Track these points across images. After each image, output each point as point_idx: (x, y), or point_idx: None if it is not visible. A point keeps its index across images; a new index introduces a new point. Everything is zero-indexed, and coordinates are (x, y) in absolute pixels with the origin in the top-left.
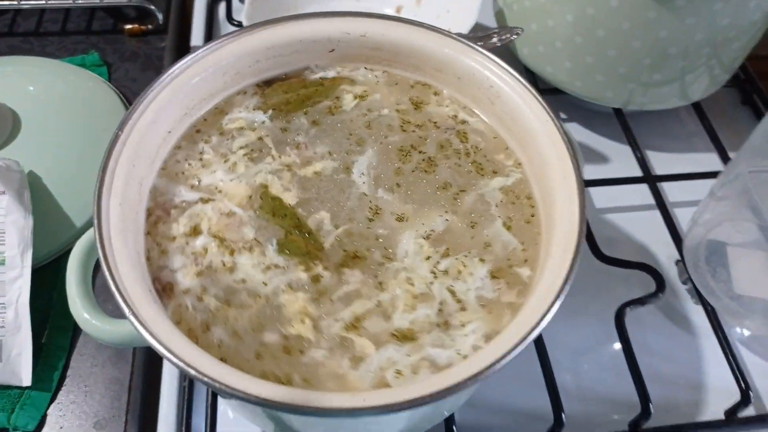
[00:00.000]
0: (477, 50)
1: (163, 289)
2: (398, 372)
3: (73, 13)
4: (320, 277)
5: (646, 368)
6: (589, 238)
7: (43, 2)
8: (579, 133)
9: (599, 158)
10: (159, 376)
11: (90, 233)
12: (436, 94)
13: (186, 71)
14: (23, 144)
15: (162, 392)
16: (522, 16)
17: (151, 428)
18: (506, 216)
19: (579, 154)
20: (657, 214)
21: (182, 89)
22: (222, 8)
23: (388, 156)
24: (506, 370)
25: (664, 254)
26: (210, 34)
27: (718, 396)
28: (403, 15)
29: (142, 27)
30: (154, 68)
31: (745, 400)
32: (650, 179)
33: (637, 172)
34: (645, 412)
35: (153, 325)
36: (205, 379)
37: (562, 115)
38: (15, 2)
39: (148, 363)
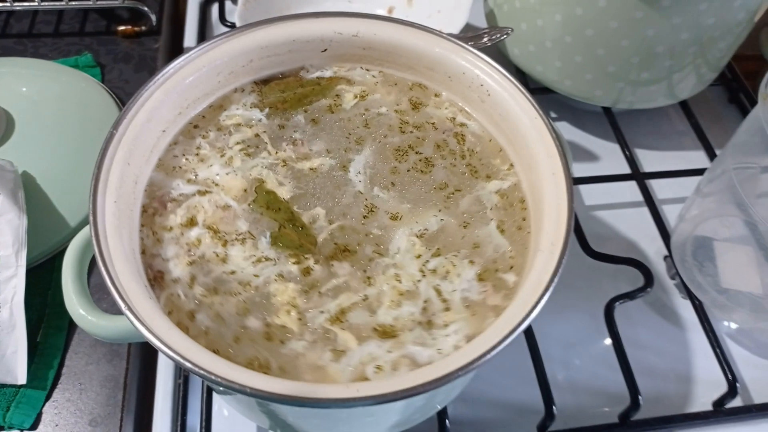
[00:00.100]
0: (467, 49)
1: (155, 277)
2: (378, 367)
3: (66, 14)
4: (311, 270)
5: (635, 361)
6: (578, 234)
7: (36, 4)
8: (569, 132)
9: (589, 156)
10: (154, 374)
11: (85, 231)
12: (436, 95)
13: (180, 71)
14: (17, 145)
15: (157, 389)
16: (512, 16)
17: (146, 425)
18: (499, 219)
19: (567, 150)
20: (645, 211)
21: (176, 89)
22: (215, 9)
23: (386, 155)
24: (498, 365)
25: (653, 250)
26: (203, 35)
27: (706, 388)
28: (394, 15)
29: (135, 28)
30: (148, 69)
31: (732, 391)
32: (639, 176)
33: (626, 170)
34: (634, 404)
35: (149, 320)
36: (200, 371)
37: (553, 115)
38: (8, 4)
39: (143, 360)
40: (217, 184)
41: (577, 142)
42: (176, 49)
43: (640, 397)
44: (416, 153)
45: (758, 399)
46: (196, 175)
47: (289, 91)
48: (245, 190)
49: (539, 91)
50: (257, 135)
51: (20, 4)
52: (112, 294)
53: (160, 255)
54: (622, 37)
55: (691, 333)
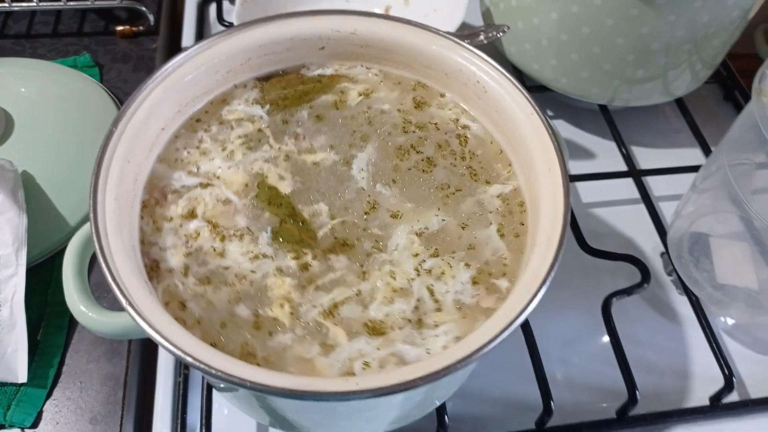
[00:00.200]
0: (464, 47)
1: (151, 267)
2: (366, 364)
3: (64, 15)
4: (309, 266)
5: (632, 357)
6: (575, 231)
7: (34, 4)
8: (565, 130)
9: (586, 154)
10: (154, 372)
11: (86, 228)
12: (441, 96)
13: (178, 69)
14: (16, 144)
15: (157, 387)
16: (508, 14)
17: (146, 423)
18: (500, 223)
19: (563, 145)
20: (642, 208)
21: (175, 87)
22: (212, 9)
23: (389, 153)
24: (496, 362)
25: (649, 246)
26: (201, 35)
27: (703, 383)
28: (392, 14)
29: (134, 28)
30: (146, 69)
31: (728, 386)
32: (635, 174)
33: (623, 167)
34: (632, 400)
35: (150, 316)
36: (201, 365)
37: (549, 113)
38: (6, 4)
39: (143, 359)
40: (218, 178)
41: (573, 140)
42: (174, 49)
43: (637, 393)
44: (418, 152)
45: (754, 394)
46: (197, 168)
47: (290, 89)
48: (246, 185)
49: (536, 90)
50: (260, 129)
51: (18, 4)
52: (113, 290)
53: (157, 244)
54: (618, 34)
55: (687, 329)
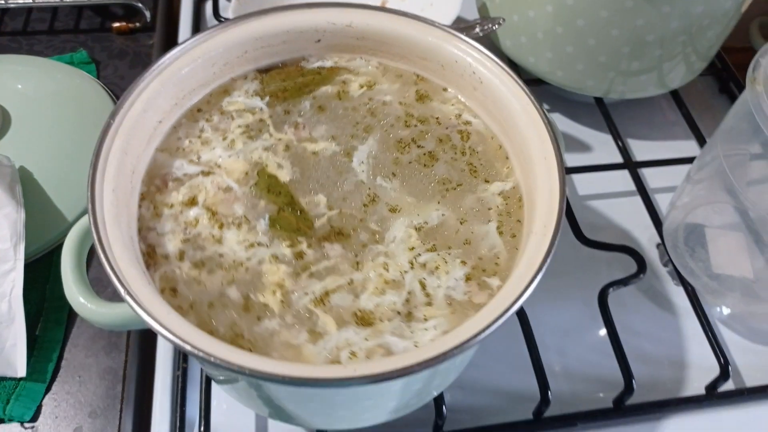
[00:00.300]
0: (459, 38)
1: (147, 253)
2: (353, 353)
3: (60, 11)
4: (304, 254)
5: (629, 347)
6: (572, 223)
7: (31, 1)
8: (562, 123)
9: (582, 147)
10: (153, 366)
11: (84, 221)
12: (444, 90)
13: (175, 62)
14: (13, 140)
15: (156, 381)
16: (504, 7)
17: (145, 417)
18: (499, 221)
19: (559, 134)
20: (638, 200)
21: (172, 79)
22: (209, 6)
23: (389, 146)
24: (494, 353)
25: (645, 238)
26: (197, 31)
27: (699, 372)
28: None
29: (130, 25)
30: (143, 65)
31: (724, 375)
32: (631, 165)
33: (619, 160)
34: (628, 389)
35: (149, 305)
36: (200, 353)
37: (546, 106)
38: (2, 1)
39: (142, 353)
40: (219, 166)
41: (569, 132)
42: (171, 45)
43: (633, 382)
44: (419, 146)
45: (750, 382)
46: (198, 157)
47: (289, 81)
48: (246, 173)
49: (532, 83)
50: (261, 120)
51: (14, 1)
52: (111, 280)
53: (155, 229)
54: (613, 26)
55: (683, 319)
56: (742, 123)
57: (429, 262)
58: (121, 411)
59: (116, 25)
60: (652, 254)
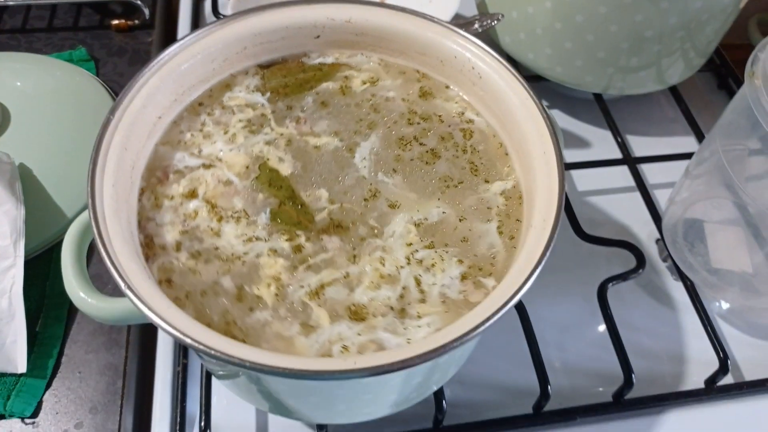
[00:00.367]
0: (458, 33)
1: (146, 244)
2: (344, 348)
3: (59, 9)
4: (302, 248)
5: (628, 342)
6: (571, 218)
7: None
8: (561, 119)
9: (581, 143)
10: (153, 361)
11: (84, 216)
12: (447, 87)
13: (174, 58)
14: (13, 138)
15: (156, 377)
16: (503, 3)
17: (146, 412)
18: (499, 221)
19: (558, 129)
20: (637, 196)
21: (171, 75)
22: (208, 3)
23: (391, 142)
24: (494, 348)
25: (645, 233)
26: (196, 29)
27: (698, 367)
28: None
29: (129, 22)
30: (142, 62)
31: (723, 368)
32: (630, 161)
33: (618, 156)
34: (628, 383)
35: (149, 299)
36: (200, 346)
37: (545, 103)
38: None
39: (142, 348)
40: (220, 160)
41: (569, 129)
42: (170, 42)
43: (633, 376)
44: (421, 144)
45: (749, 376)
46: (200, 151)
47: (290, 77)
48: (247, 167)
49: (531, 80)
50: (263, 114)
51: None
52: (111, 274)
53: (154, 219)
54: (612, 22)
55: (683, 314)
56: (741, 118)
57: (426, 258)
58: (121, 407)
59: (115, 22)
60: (651, 249)
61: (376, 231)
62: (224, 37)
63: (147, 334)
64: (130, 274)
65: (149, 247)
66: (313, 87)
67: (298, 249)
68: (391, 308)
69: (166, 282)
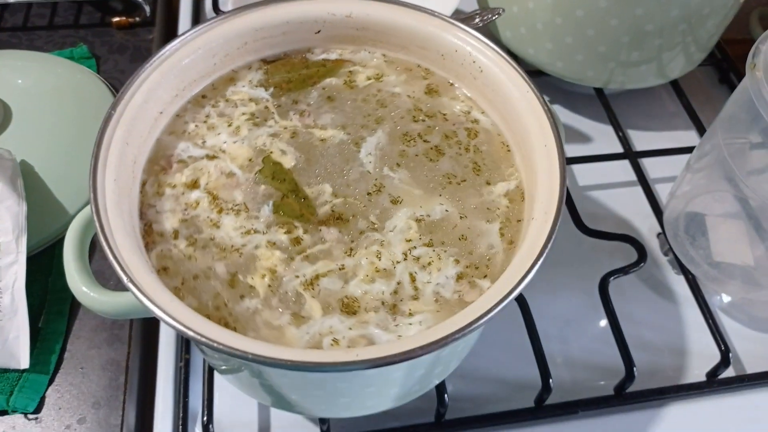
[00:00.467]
0: (459, 27)
1: (145, 231)
2: (335, 341)
3: (60, 6)
4: (301, 240)
5: (630, 336)
6: (573, 212)
7: None
8: (562, 114)
9: (582, 138)
10: (155, 357)
11: (86, 211)
12: (450, 84)
13: (175, 53)
14: (15, 135)
15: (159, 372)
16: None
17: (148, 408)
18: (500, 221)
19: (559, 121)
20: (638, 190)
21: (172, 70)
22: (208, 0)
23: (396, 138)
24: (496, 342)
25: (646, 227)
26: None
27: (700, 360)
28: None
29: (130, 19)
30: (142, 60)
31: (725, 361)
32: (631, 156)
33: (619, 150)
34: (629, 377)
35: (151, 292)
36: (203, 338)
37: (546, 98)
38: None
39: (144, 344)
40: (224, 151)
41: (570, 123)
42: (170, 39)
43: (634, 370)
44: (425, 141)
45: (750, 369)
46: (203, 142)
47: (294, 72)
48: (250, 159)
49: (532, 74)
50: (266, 108)
51: None
52: (114, 268)
53: (155, 207)
54: (612, 16)
55: (684, 307)
56: (742, 111)
57: (423, 256)
58: (124, 402)
59: (116, 19)
60: (652, 243)
61: (376, 225)
62: (225, 33)
63: (149, 329)
64: (132, 267)
65: (148, 234)
66: (317, 82)
67: (296, 241)
68: (383, 303)
69: (162, 270)
